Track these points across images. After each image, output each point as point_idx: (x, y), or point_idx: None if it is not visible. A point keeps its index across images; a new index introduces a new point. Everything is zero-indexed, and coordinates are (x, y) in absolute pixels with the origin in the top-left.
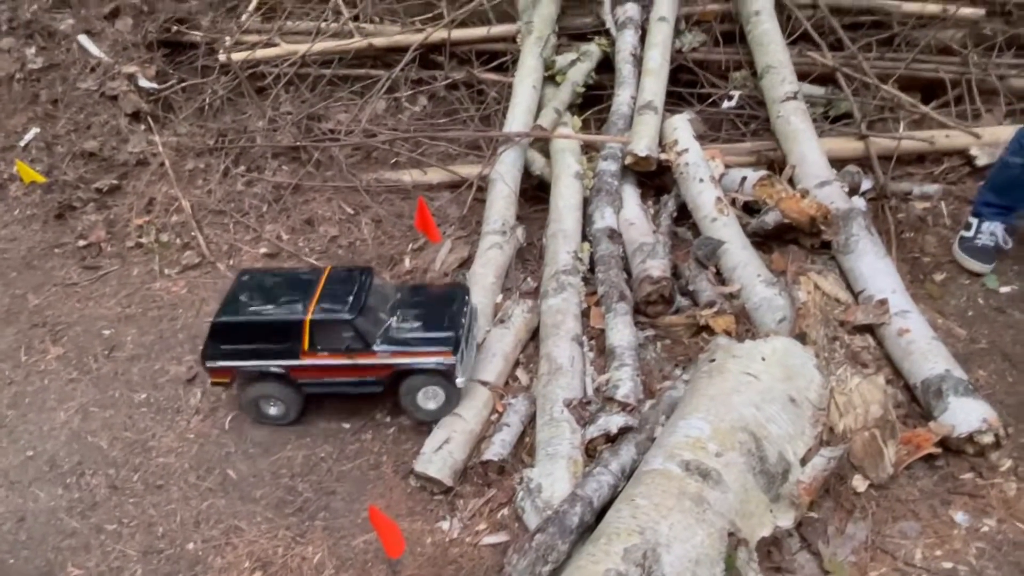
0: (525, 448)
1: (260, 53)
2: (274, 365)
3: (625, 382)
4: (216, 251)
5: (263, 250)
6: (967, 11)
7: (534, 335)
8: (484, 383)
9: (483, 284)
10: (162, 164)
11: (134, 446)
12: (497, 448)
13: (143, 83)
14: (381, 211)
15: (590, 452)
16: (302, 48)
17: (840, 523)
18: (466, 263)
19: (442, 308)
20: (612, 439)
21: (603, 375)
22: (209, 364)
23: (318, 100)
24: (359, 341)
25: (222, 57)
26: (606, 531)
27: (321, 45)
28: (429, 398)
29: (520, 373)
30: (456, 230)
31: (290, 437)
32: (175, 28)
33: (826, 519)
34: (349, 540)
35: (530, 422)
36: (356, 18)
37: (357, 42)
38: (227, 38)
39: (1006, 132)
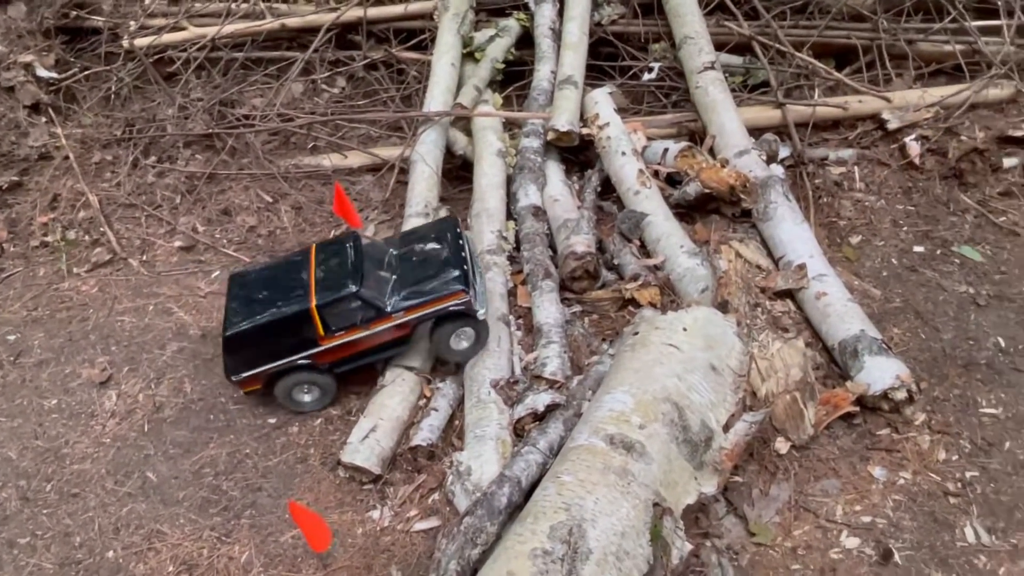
0: (455, 432)
1: (167, 37)
2: (297, 359)
3: (552, 359)
4: (128, 246)
5: (178, 243)
6: None
7: None
8: (410, 368)
9: None
10: (66, 158)
11: (46, 455)
12: (425, 433)
13: (41, 72)
14: (301, 198)
15: (519, 432)
16: (211, 31)
17: (764, 485)
18: None
19: (439, 250)
20: (540, 417)
21: (531, 353)
22: (235, 378)
23: (231, 85)
24: (371, 309)
25: (126, 43)
26: (533, 510)
27: (231, 27)
28: (461, 339)
29: None
30: (379, 214)
31: (212, 436)
32: (74, 13)
33: (751, 482)
34: (277, 536)
35: (459, 405)
36: None
37: (269, 23)
38: (131, 23)
39: (915, 94)
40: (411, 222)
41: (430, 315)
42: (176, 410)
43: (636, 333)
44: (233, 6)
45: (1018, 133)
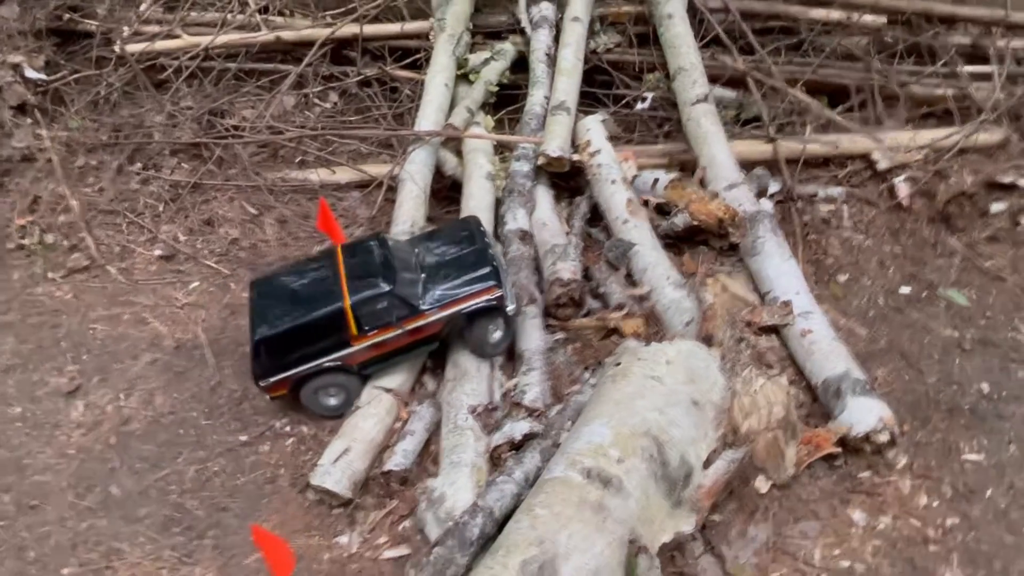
0: (430, 457)
1: (160, 44)
2: (328, 361)
3: (533, 387)
4: (107, 253)
5: (158, 252)
6: (869, 18)
7: (443, 341)
8: (387, 390)
9: None
10: (49, 160)
11: (6, 464)
12: (399, 458)
13: (30, 74)
14: (286, 211)
15: (495, 460)
16: (205, 40)
17: (743, 525)
18: None
19: (465, 246)
20: (517, 446)
21: (511, 380)
22: (263, 383)
23: (222, 95)
24: (404, 307)
25: (117, 48)
26: (505, 543)
27: (226, 38)
28: (494, 332)
29: (427, 379)
30: (365, 231)
31: (180, 451)
32: (67, 16)
33: (729, 521)
34: (240, 559)
35: (435, 430)
36: (264, 10)
37: (264, 35)
38: (125, 28)
39: (906, 136)
40: None
41: (463, 312)
42: (145, 423)
43: (618, 364)
44: (229, 16)
45: (1007, 179)
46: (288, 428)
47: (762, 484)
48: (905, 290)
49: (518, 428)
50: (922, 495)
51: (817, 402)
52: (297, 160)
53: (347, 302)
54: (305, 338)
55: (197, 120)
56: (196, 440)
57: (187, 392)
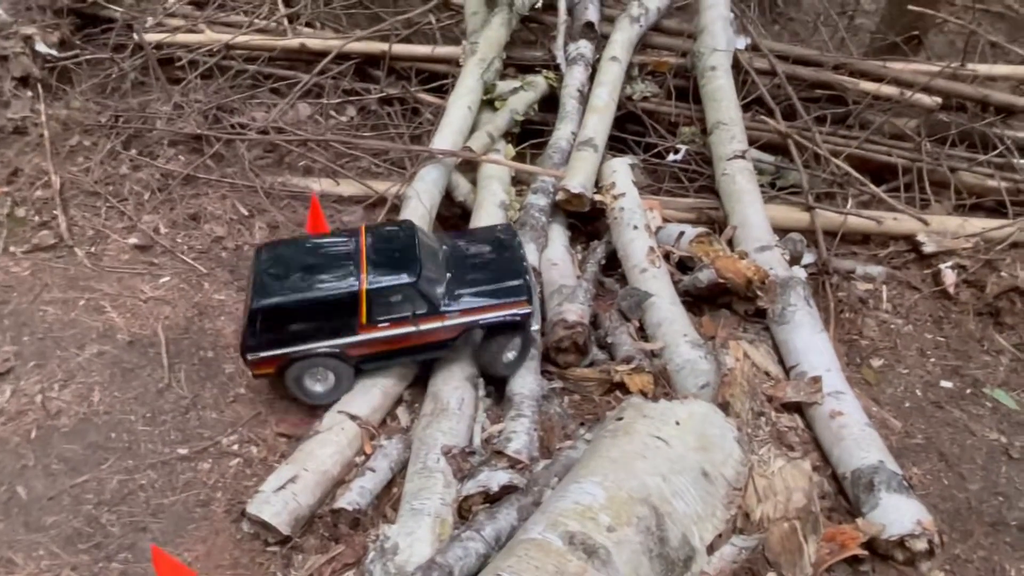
0: (390, 501)
1: (181, 37)
2: (326, 346)
3: (520, 435)
4: (78, 235)
5: (133, 240)
6: (923, 97)
7: (424, 371)
8: (353, 417)
9: None
10: (41, 135)
11: None
12: (354, 495)
13: (40, 47)
14: (280, 216)
15: (464, 512)
16: (226, 37)
17: None
18: None
19: (500, 254)
20: (492, 499)
21: (496, 425)
22: (251, 356)
23: (235, 94)
24: (424, 305)
25: (136, 35)
26: None
27: (248, 38)
28: (509, 352)
29: (401, 412)
30: None
31: (107, 457)
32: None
33: None
34: None
35: (401, 470)
36: (294, 18)
37: (288, 40)
38: (148, 18)
39: (954, 222)
40: None
41: (486, 322)
42: (74, 420)
43: (620, 419)
44: (256, 20)
45: None
46: (236, 447)
47: None
48: (947, 384)
49: (496, 478)
50: None
51: (842, 495)
52: (300, 164)
53: (364, 286)
54: (309, 316)
55: (204, 114)
56: (128, 447)
57: (130, 392)
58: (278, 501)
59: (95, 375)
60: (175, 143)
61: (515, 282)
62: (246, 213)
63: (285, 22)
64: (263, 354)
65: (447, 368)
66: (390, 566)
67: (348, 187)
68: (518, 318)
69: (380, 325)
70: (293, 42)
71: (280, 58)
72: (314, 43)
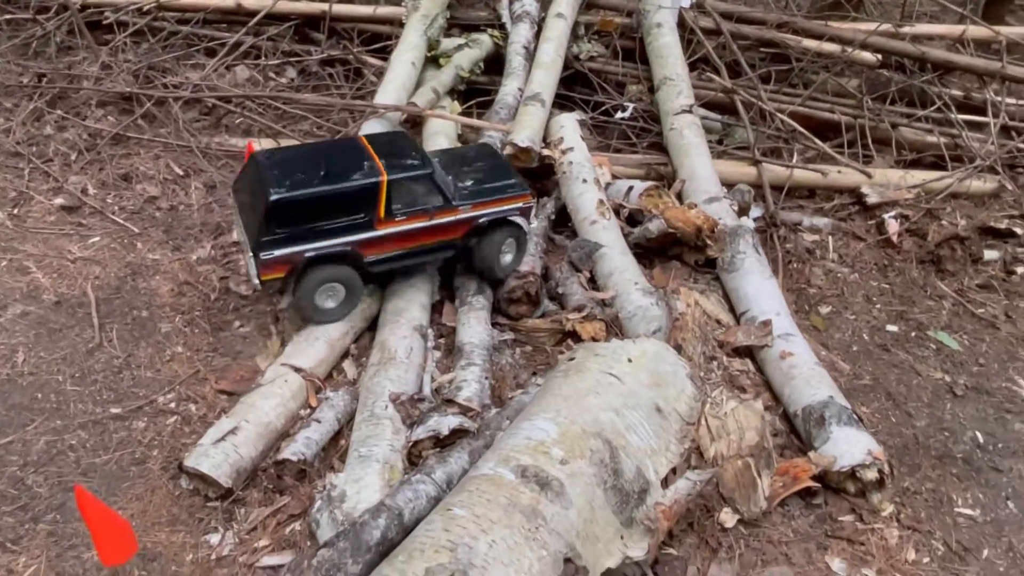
0: (338, 452)
1: None
2: (343, 243)
3: (471, 383)
4: (0, 197)
5: (59, 201)
6: (864, 55)
7: (372, 325)
8: (297, 369)
9: None
10: None
11: None
12: (299, 446)
13: None
14: (217, 176)
15: (414, 459)
16: None
17: (703, 564)
18: None
19: (487, 161)
20: (443, 444)
21: (446, 375)
22: (264, 255)
23: (167, 55)
24: (438, 197)
25: None
26: (409, 546)
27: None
28: (507, 252)
29: (348, 366)
30: None
31: (33, 418)
32: None
33: (687, 558)
34: (80, 552)
35: (349, 422)
36: None
37: (223, 1)
38: None
39: (896, 174)
40: None
41: (495, 214)
42: None
43: (572, 359)
44: None
45: (1000, 226)
46: (173, 405)
47: (728, 518)
48: (892, 328)
49: (446, 422)
50: (910, 549)
51: (794, 434)
52: (239, 124)
53: (384, 177)
54: (328, 210)
55: (134, 74)
56: (56, 407)
57: (58, 353)
58: (218, 453)
59: (19, 336)
60: (104, 103)
61: (512, 180)
62: (181, 173)
63: None
64: (277, 252)
65: (394, 319)
66: (337, 514)
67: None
68: (527, 209)
69: (397, 219)
70: (228, 1)
71: (216, 19)
72: (251, 3)
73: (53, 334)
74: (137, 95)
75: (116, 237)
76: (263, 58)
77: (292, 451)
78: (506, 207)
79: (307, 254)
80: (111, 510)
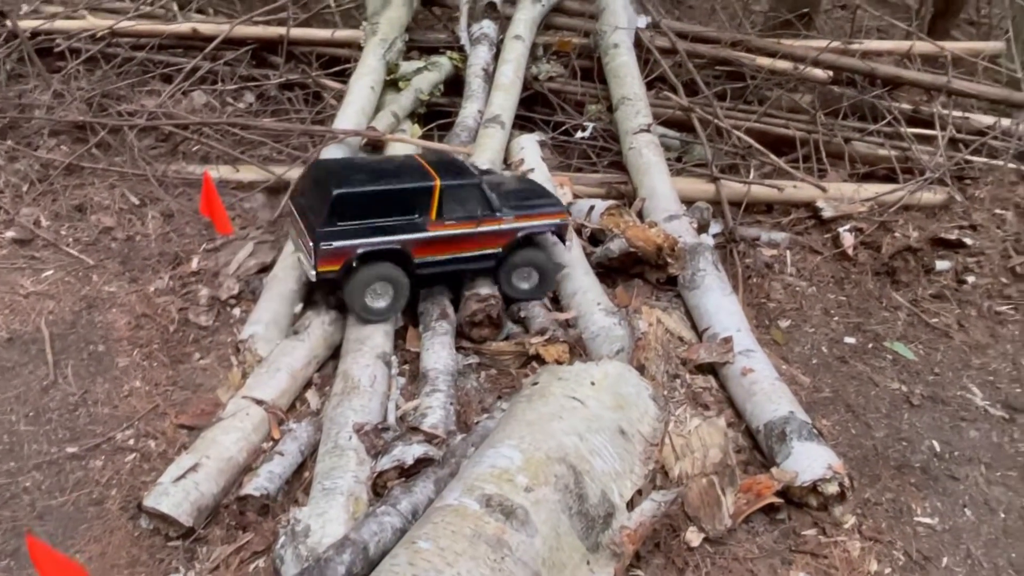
0: (302, 485)
1: (60, 24)
2: (395, 242)
3: (435, 410)
4: None
5: (11, 234)
6: (816, 71)
7: (336, 353)
8: (259, 402)
9: (280, 290)
10: None
11: None
12: (262, 481)
13: None
14: (174, 205)
15: (379, 490)
16: (110, 23)
17: None
18: (268, 269)
19: (520, 182)
20: (408, 473)
21: (411, 402)
22: (324, 246)
23: (122, 82)
24: (486, 206)
25: (9, 22)
26: None
27: (135, 24)
28: (528, 278)
29: (311, 395)
30: (263, 233)
31: None
32: None
33: None
34: None
35: (312, 453)
36: (184, 4)
37: (178, 26)
38: (24, 4)
39: (850, 188)
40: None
41: (537, 228)
42: None
43: (535, 383)
44: (143, 6)
45: (951, 236)
46: (132, 442)
47: (694, 537)
48: (850, 340)
49: (411, 451)
50: (872, 560)
51: (757, 449)
52: (196, 152)
53: (438, 182)
54: (385, 206)
55: (88, 102)
56: (9, 448)
57: (11, 391)
58: (178, 491)
59: None
60: (56, 133)
61: (550, 198)
62: (137, 202)
63: (175, 7)
64: (336, 244)
65: (357, 347)
66: (302, 549)
67: (248, 173)
68: (560, 227)
69: (447, 222)
70: (184, 27)
71: (171, 45)
72: (207, 28)
73: (5, 372)
74: (91, 124)
75: (70, 270)
76: (220, 83)
77: (255, 486)
78: (546, 221)
79: (360, 249)
80: (65, 557)
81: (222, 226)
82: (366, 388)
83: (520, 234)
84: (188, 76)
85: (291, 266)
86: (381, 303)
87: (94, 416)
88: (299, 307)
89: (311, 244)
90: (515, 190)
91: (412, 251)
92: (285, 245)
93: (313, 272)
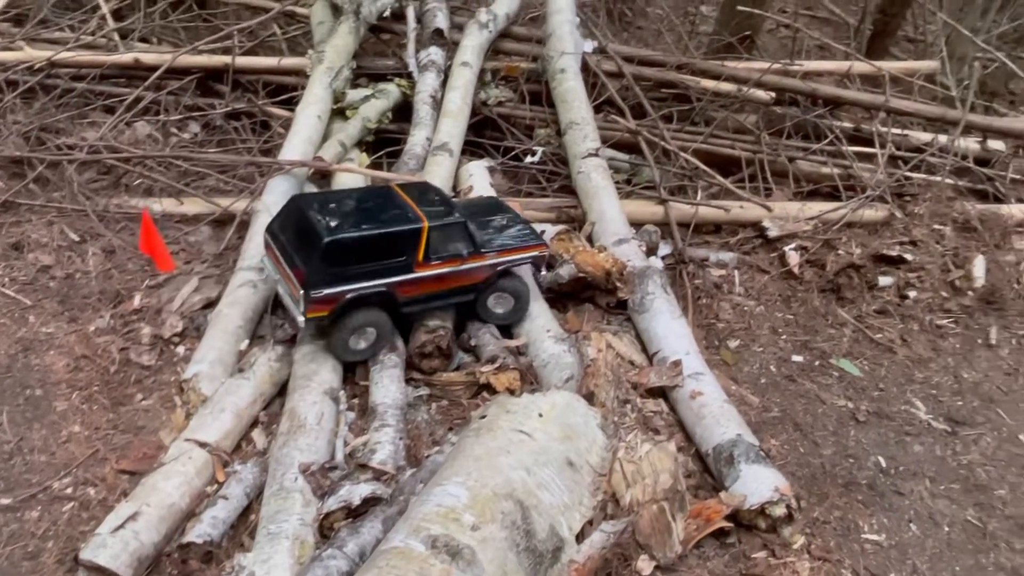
0: (248, 528)
1: None
2: (383, 284)
3: (384, 445)
4: None
5: None
6: (759, 93)
7: (283, 390)
8: (202, 444)
9: (226, 327)
10: None
11: None
12: (205, 527)
13: None
14: (116, 241)
15: (326, 531)
16: (48, 54)
17: None
18: (213, 304)
19: (498, 212)
20: (355, 513)
21: (360, 438)
22: (314, 293)
23: (62, 114)
24: (470, 244)
25: None
26: None
27: (75, 55)
28: (502, 303)
29: (257, 435)
30: (208, 267)
31: None
32: None
33: None
34: None
35: (258, 496)
36: (127, 33)
37: (120, 56)
38: None
39: (794, 207)
40: (242, 276)
41: (517, 261)
42: None
43: (484, 416)
44: (83, 37)
45: (893, 252)
46: (70, 490)
47: (645, 565)
48: (798, 359)
49: (358, 491)
50: None
51: (706, 472)
52: (139, 185)
53: (426, 223)
54: (374, 252)
55: (25, 136)
56: None
57: None
58: (116, 543)
59: None
60: None
61: (528, 230)
62: (77, 239)
63: (116, 37)
64: (326, 291)
65: (304, 383)
66: None
67: (193, 205)
68: (538, 260)
69: (433, 263)
70: (126, 57)
71: (113, 75)
72: (149, 58)
73: None
74: (28, 158)
75: (6, 311)
76: (164, 113)
77: (198, 533)
78: (525, 255)
79: (348, 295)
80: None
81: (163, 263)
82: (313, 426)
83: (500, 267)
84: (131, 107)
85: (235, 301)
86: (363, 344)
87: (30, 464)
88: (245, 343)
89: (300, 292)
90: (493, 221)
91: (398, 292)
92: (231, 278)
93: (302, 319)
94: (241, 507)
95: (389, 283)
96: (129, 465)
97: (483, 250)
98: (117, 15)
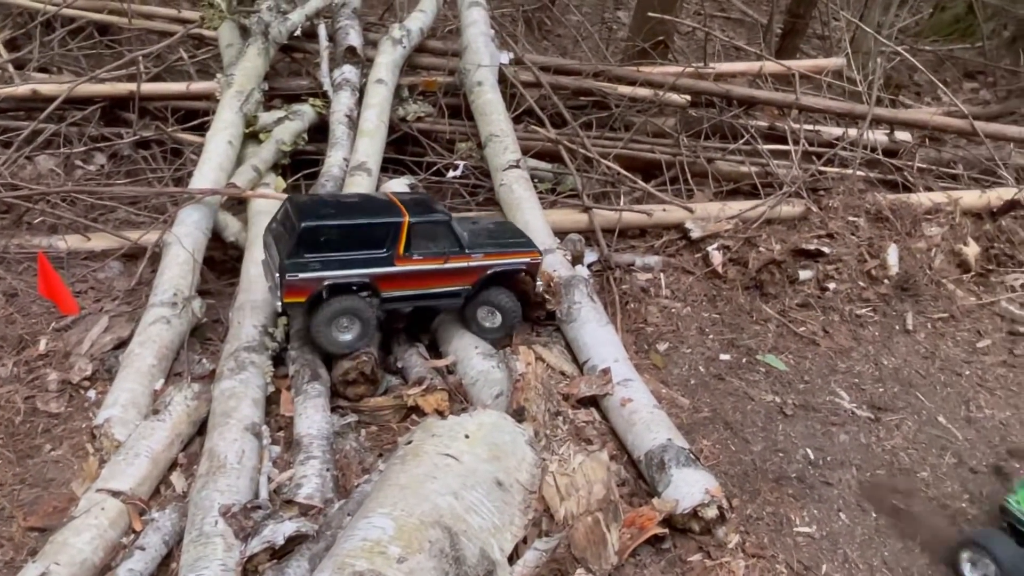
0: None
1: None
2: (362, 275)
3: (311, 479)
4: None
5: None
6: (675, 97)
7: (202, 429)
8: (115, 493)
9: (138, 367)
10: None
11: None
12: None
13: None
14: (18, 283)
15: (250, 574)
16: None
17: None
18: (125, 344)
19: (492, 223)
20: (280, 554)
21: (285, 472)
22: (290, 277)
23: None
24: (455, 244)
25: None
26: None
27: None
28: (494, 315)
29: (176, 478)
30: (119, 305)
31: None
32: None
33: None
34: None
35: (178, 543)
36: (23, 63)
37: (16, 87)
38: None
39: (715, 207)
40: (154, 312)
41: (505, 266)
42: None
43: (409, 442)
44: None
45: (811, 246)
46: None
47: None
48: (725, 357)
49: (282, 530)
50: None
51: (640, 479)
52: (41, 222)
53: (407, 218)
54: (352, 241)
55: None
56: None
57: None
58: None
59: None
60: None
61: (521, 238)
62: None
63: (11, 68)
64: (302, 276)
65: (223, 420)
66: None
67: (101, 240)
68: (531, 265)
69: (415, 258)
70: (22, 89)
71: (9, 108)
72: (48, 88)
73: None
74: None
75: None
76: (68, 146)
77: None
78: (516, 260)
79: (326, 281)
80: None
81: (65, 306)
82: (233, 465)
83: (490, 271)
84: (30, 140)
85: (148, 339)
86: (347, 336)
87: None
88: (160, 383)
89: (277, 275)
90: (488, 230)
91: (379, 285)
92: (143, 315)
93: (279, 303)
94: (160, 556)
95: (370, 274)
96: (38, 521)
97: (468, 251)
98: (11, 44)
